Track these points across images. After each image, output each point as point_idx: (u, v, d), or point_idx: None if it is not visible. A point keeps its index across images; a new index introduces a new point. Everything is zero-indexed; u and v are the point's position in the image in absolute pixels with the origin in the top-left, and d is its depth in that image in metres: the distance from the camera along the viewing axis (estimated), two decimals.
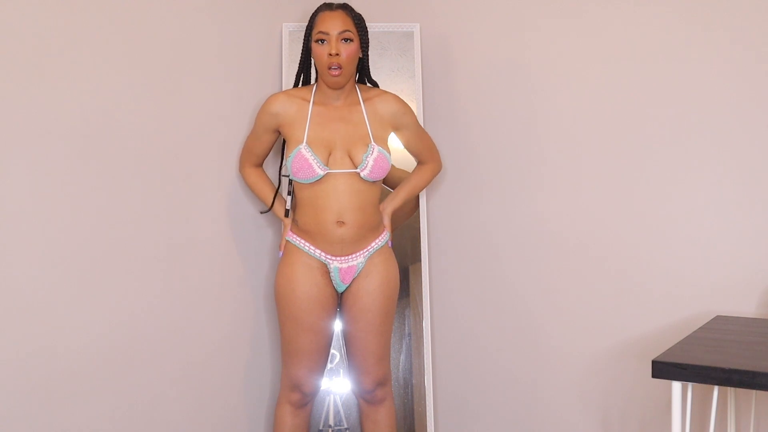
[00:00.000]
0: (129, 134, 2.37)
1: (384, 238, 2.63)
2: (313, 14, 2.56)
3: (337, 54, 2.46)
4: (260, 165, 2.70)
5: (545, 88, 2.85)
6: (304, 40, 2.59)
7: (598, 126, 2.77)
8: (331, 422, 2.86)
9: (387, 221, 2.65)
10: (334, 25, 2.49)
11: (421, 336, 2.94)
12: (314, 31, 2.51)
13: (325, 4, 2.57)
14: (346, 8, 2.55)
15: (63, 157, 2.20)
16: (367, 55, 2.62)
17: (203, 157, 2.63)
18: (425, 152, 2.74)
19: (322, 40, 2.49)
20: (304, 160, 2.47)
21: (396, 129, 2.66)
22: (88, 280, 2.27)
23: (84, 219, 2.26)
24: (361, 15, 2.58)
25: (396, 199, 2.70)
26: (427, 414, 2.90)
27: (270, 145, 2.64)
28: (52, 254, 2.18)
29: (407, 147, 2.72)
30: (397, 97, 2.66)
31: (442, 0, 3.02)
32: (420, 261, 2.94)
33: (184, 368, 2.58)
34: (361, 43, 2.55)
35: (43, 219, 2.15)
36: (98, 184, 2.29)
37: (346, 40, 2.49)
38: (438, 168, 2.78)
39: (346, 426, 2.86)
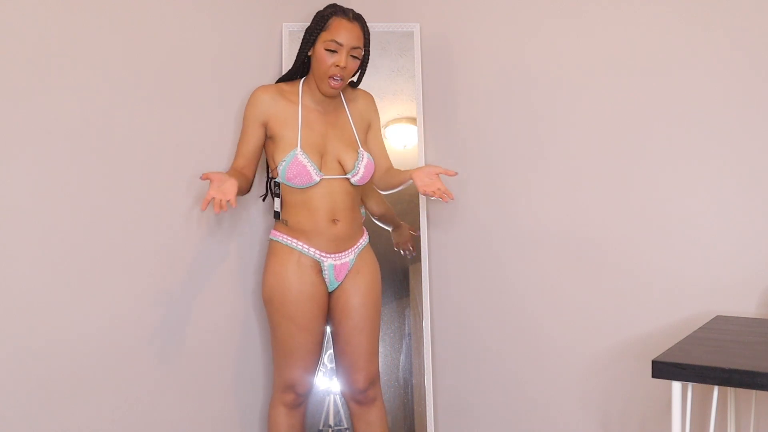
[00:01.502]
0: (128, 135, 2.37)
1: (366, 239, 2.66)
2: (324, 15, 2.50)
3: (345, 67, 2.47)
4: (245, 168, 2.56)
5: (545, 88, 2.85)
6: (306, 37, 2.53)
7: (598, 126, 2.77)
8: (331, 422, 2.86)
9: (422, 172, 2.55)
10: (350, 38, 2.47)
11: (421, 336, 2.93)
12: (326, 35, 2.48)
13: (339, 9, 2.52)
14: (360, 20, 2.53)
15: (63, 157, 2.20)
16: (366, 67, 2.62)
17: (202, 158, 2.63)
18: (383, 156, 2.74)
19: (334, 50, 2.47)
20: (302, 167, 2.48)
21: (368, 125, 2.70)
22: (87, 279, 2.27)
23: (83, 219, 2.26)
24: (368, 27, 2.57)
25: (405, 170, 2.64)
26: (427, 414, 2.90)
27: (259, 142, 2.56)
28: (52, 254, 2.18)
29: (367, 146, 2.70)
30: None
31: (442, 0, 3.02)
32: (420, 261, 2.95)
33: (183, 369, 2.58)
34: (364, 55, 2.56)
35: (42, 219, 2.15)
36: (98, 183, 2.29)
37: (354, 56, 2.50)
38: None
39: (346, 426, 2.86)
